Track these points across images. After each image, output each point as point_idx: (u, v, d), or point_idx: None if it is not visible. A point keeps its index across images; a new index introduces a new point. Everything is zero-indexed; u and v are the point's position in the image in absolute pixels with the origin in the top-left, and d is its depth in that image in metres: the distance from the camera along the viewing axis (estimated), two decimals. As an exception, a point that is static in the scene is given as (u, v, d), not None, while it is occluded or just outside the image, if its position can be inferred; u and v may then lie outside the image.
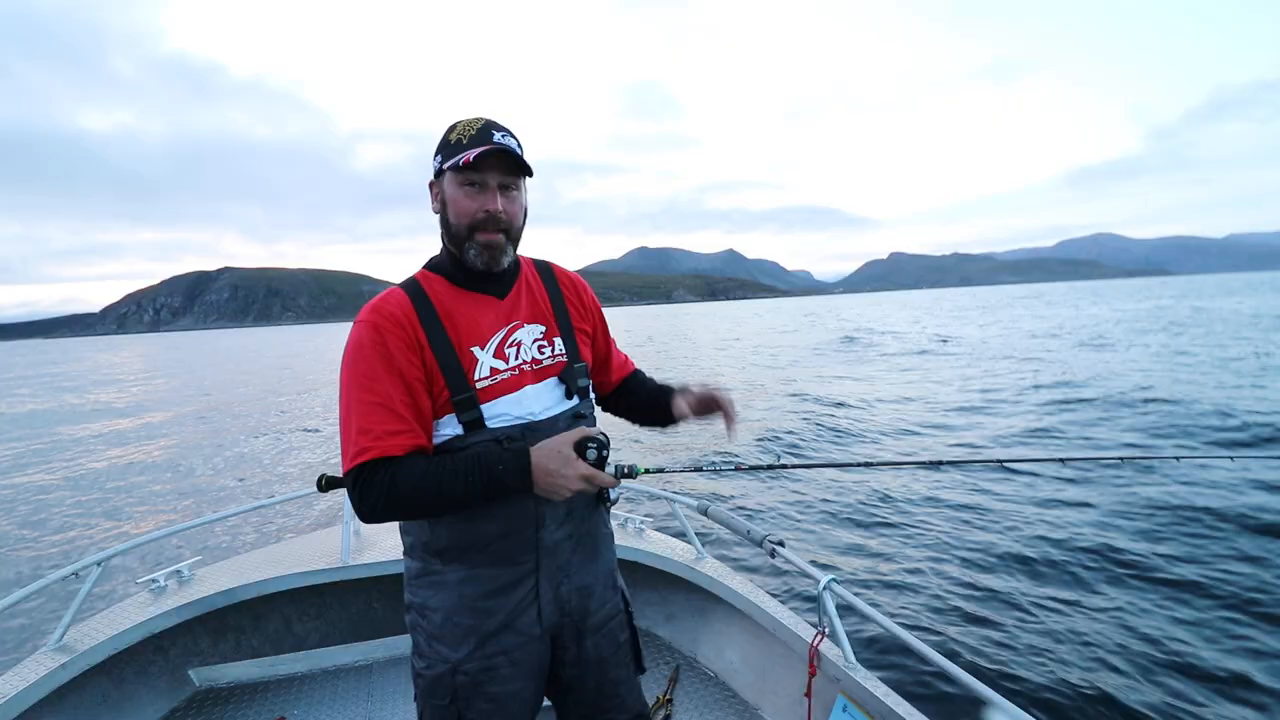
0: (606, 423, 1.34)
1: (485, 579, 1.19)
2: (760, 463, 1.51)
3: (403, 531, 1.27)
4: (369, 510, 1.07)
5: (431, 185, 1.23)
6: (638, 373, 1.56)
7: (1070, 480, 6.64)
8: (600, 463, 1.10)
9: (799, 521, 6.12)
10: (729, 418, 1.40)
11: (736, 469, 1.53)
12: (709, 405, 1.42)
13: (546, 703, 1.36)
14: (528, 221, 1.26)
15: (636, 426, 1.54)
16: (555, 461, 1.07)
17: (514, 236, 1.21)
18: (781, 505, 6.57)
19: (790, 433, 10.10)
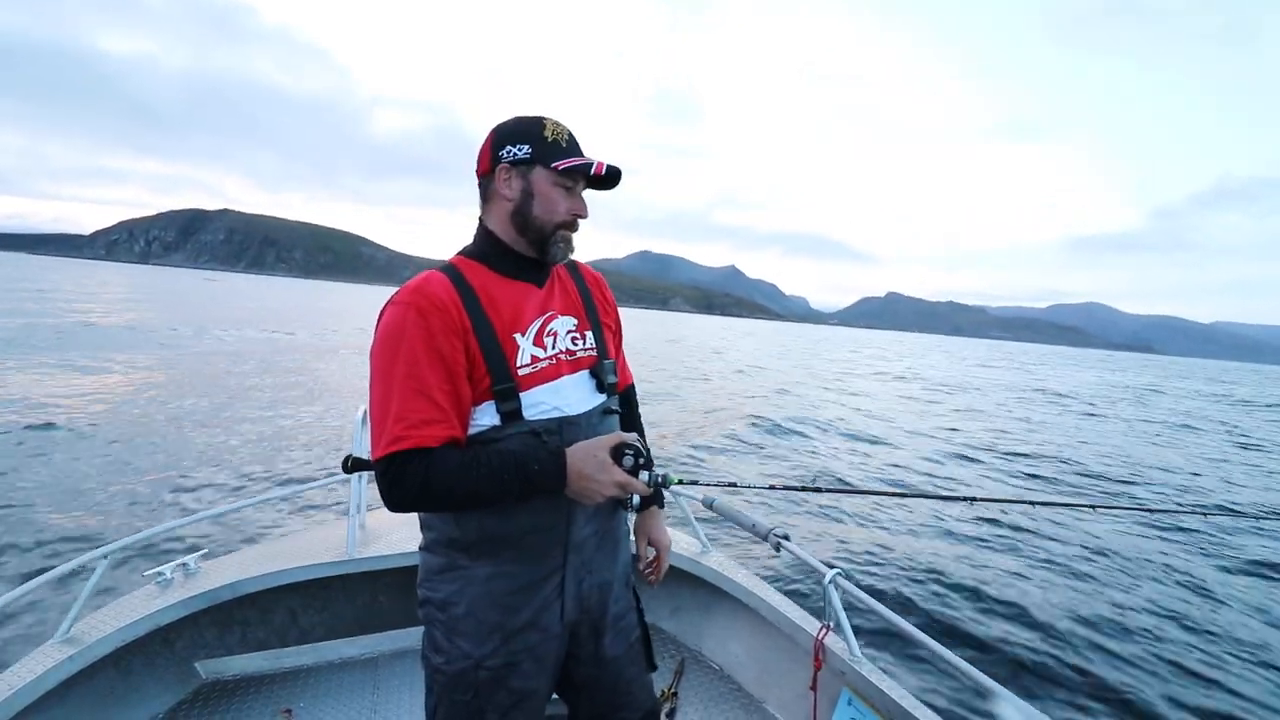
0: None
1: (514, 575, 1.19)
2: (794, 484, 1.54)
3: (424, 526, 1.25)
4: (399, 501, 1.06)
5: (502, 171, 1.20)
6: (631, 389, 1.53)
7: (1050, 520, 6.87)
8: (635, 470, 1.09)
9: (805, 516, 6.19)
10: (658, 562, 1.53)
11: (771, 488, 1.53)
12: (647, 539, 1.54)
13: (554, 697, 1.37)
14: None
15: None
16: (591, 466, 1.07)
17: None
18: (787, 504, 6.64)
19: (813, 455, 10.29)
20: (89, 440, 8.36)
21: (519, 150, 1.17)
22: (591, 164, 1.17)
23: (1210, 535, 6.67)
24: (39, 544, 5.38)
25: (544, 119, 1.19)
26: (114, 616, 2.14)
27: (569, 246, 1.24)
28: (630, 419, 1.50)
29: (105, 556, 2.11)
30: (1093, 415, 20.34)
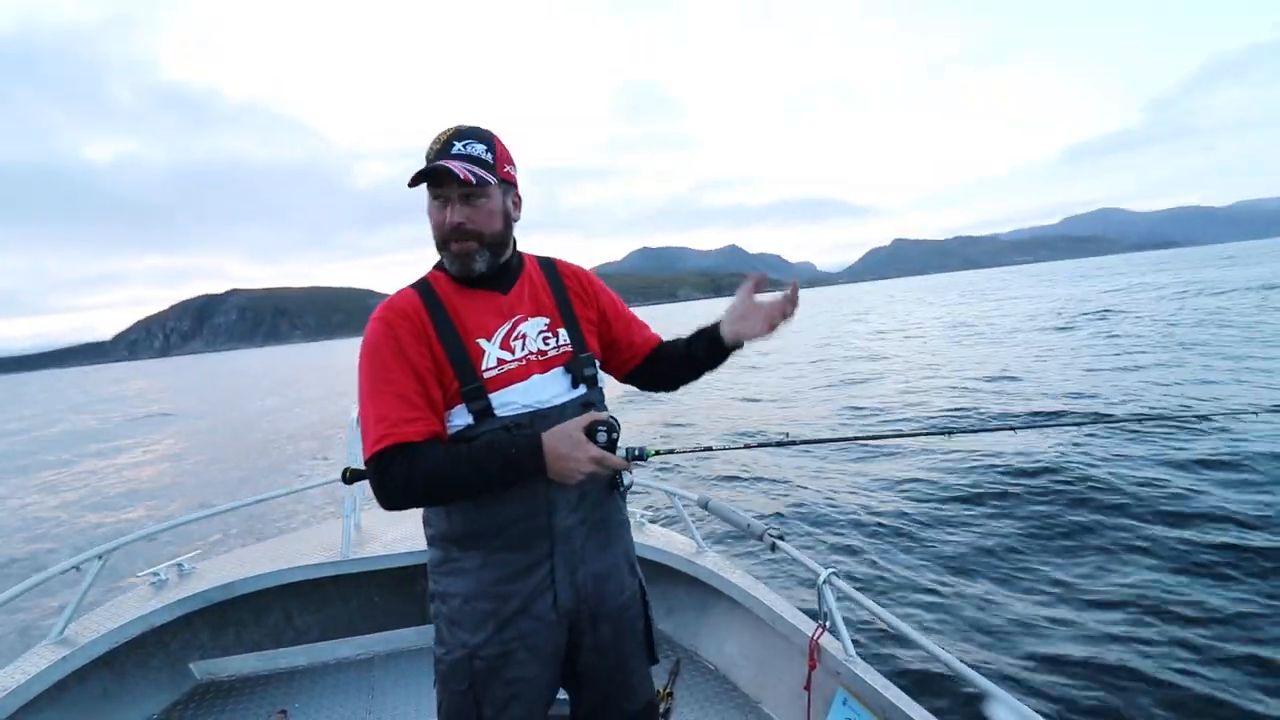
0: (615, 409, 1.33)
1: (501, 564, 1.22)
2: (769, 440, 1.50)
3: (425, 522, 1.30)
4: (390, 495, 1.12)
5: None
6: (665, 342, 1.56)
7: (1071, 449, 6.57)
8: (610, 446, 1.13)
9: (800, 514, 6.09)
10: (790, 300, 1.36)
11: (745, 446, 1.54)
12: (768, 311, 1.37)
13: (562, 695, 1.37)
14: (519, 222, 1.32)
15: (653, 403, 1.51)
16: (566, 445, 1.10)
17: (489, 241, 1.24)
18: (782, 501, 6.55)
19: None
20: (88, 440, 8.48)
21: None
22: (414, 173, 1.17)
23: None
24: (32, 544, 5.42)
25: (439, 134, 1.21)
26: (108, 617, 2.15)
27: (465, 258, 1.22)
28: (679, 351, 1.49)
29: (99, 557, 2.10)
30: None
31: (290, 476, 7.59)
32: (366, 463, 1.14)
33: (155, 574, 2.40)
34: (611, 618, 1.34)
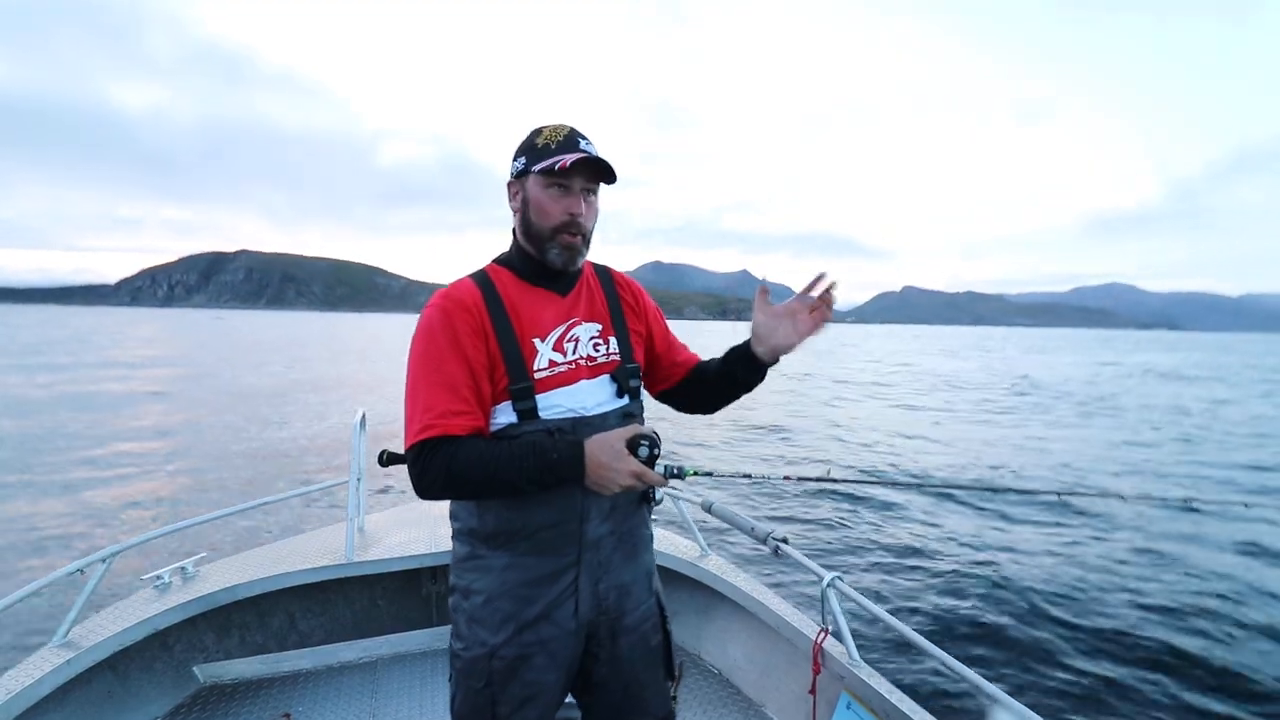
0: (657, 424, 1.30)
1: (528, 567, 1.22)
2: (809, 474, 1.49)
3: (452, 516, 1.30)
4: (428, 486, 1.12)
5: (511, 185, 1.26)
6: (702, 362, 1.52)
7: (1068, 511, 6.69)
8: (651, 461, 1.11)
9: (803, 519, 6.10)
10: (826, 300, 1.29)
11: (785, 479, 1.50)
12: (801, 318, 1.29)
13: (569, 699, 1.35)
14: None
15: (692, 421, 1.49)
16: (608, 455, 1.09)
17: (589, 240, 1.26)
18: (785, 506, 6.55)
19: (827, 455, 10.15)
20: (87, 442, 8.50)
21: (519, 163, 1.23)
22: (559, 159, 1.16)
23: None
24: (36, 547, 5.42)
25: (543, 127, 1.22)
26: (112, 620, 2.15)
27: (571, 252, 1.23)
28: (715, 370, 1.43)
29: (103, 560, 2.11)
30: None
31: (294, 482, 7.60)
32: (408, 450, 1.13)
33: (159, 577, 2.38)
34: (629, 631, 1.33)
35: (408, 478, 1.14)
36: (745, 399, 1.45)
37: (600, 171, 1.22)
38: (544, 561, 1.22)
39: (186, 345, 43.74)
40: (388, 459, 1.65)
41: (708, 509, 2.13)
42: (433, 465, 1.10)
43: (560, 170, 1.16)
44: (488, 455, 1.11)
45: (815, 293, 1.29)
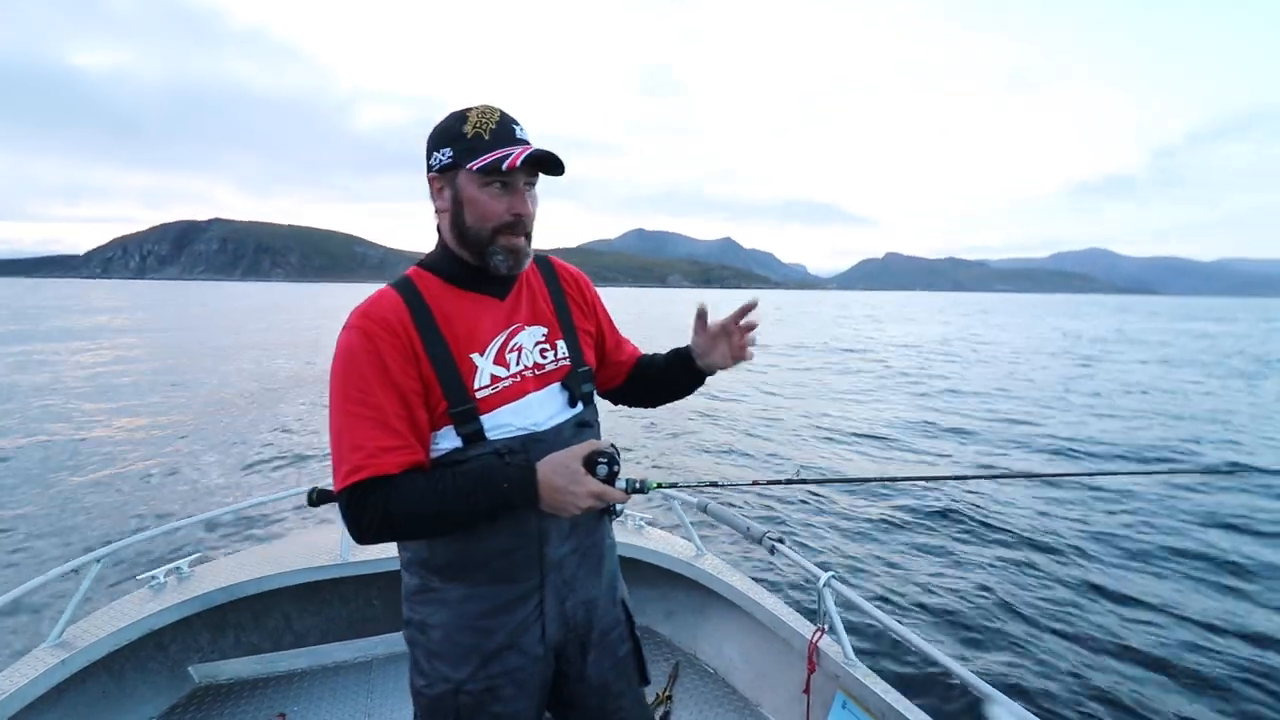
0: (612, 434, 1.31)
1: (486, 597, 1.14)
2: (777, 477, 1.44)
3: (400, 546, 1.21)
4: (363, 531, 1.01)
5: (434, 180, 1.12)
6: (644, 357, 1.48)
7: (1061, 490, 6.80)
8: (611, 479, 1.04)
9: (799, 519, 6.17)
10: (743, 312, 1.28)
11: (753, 483, 1.46)
12: (735, 339, 1.31)
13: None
14: None
15: (649, 429, 1.45)
16: (564, 478, 1.01)
17: (531, 237, 1.15)
18: (782, 506, 6.61)
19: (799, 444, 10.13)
20: (86, 442, 8.39)
21: (443, 156, 1.08)
22: (507, 156, 1.03)
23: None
24: (30, 547, 5.38)
25: (468, 111, 1.08)
26: (107, 620, 2.14)
27: (514, 256, 1.11)
28: (660, 368, 1.42)
29: (98, 560, 2.10)
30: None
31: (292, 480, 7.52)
32: (338, 494, 1.01)
33: (154, 577, 2.37)
34: (596, 644, 1.28)
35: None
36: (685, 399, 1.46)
37: (547, 165, 1.09)
38: (503, 590, 1.14)
39: (169, 318, 42.60)
40: (318, 498, 1.52)
41: (703, 509, 2.11)
42: (367, 510, 0.99)
43: (488, 168, 1.03)
44: (429, 492, 1.00)
45: (744, 321, 1.29)
